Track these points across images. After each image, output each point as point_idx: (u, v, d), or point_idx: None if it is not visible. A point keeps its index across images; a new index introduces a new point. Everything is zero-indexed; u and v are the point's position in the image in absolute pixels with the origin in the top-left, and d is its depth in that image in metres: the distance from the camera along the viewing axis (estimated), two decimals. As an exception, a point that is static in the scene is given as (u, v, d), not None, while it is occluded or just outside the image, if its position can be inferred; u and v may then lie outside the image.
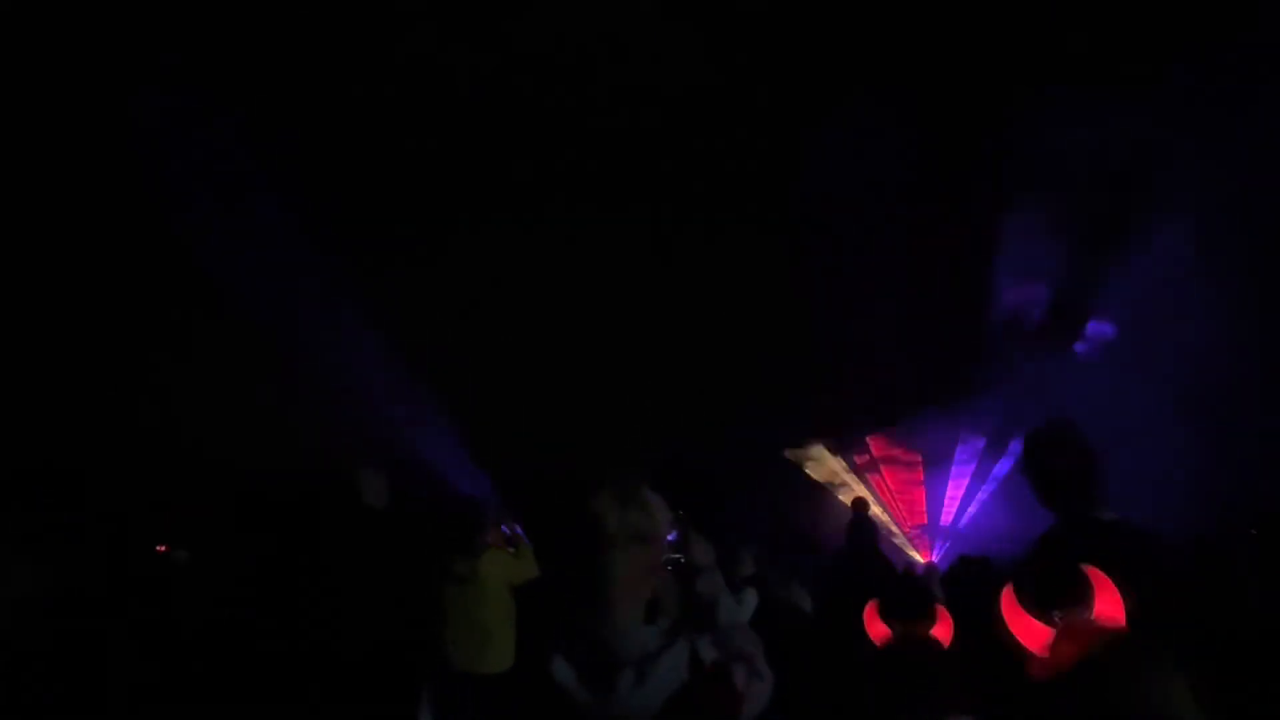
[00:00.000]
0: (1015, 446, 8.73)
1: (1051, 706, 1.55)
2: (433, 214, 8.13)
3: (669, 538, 1.90)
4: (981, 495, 9.41)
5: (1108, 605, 1.53)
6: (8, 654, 2.96)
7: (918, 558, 9.50)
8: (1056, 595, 1.56)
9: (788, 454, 10.02)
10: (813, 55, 8.33)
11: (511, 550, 4.24)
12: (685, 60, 8.30)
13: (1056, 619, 1.55)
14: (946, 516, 9.73)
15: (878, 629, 2.14)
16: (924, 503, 9.83)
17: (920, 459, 9.75)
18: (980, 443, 9.38)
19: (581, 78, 8.33)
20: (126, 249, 7.04)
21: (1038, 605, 1.57)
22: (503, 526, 4.34)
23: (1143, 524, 1.95)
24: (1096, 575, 1.56)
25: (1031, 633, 1.58)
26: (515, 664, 3.76)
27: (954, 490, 9.69)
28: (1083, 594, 1.54)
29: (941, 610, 2.17)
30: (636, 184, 8.86)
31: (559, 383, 7.96)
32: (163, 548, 4.85)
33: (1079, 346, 8.70)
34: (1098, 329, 8.60)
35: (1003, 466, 9.11)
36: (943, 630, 2.13)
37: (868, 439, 9.87)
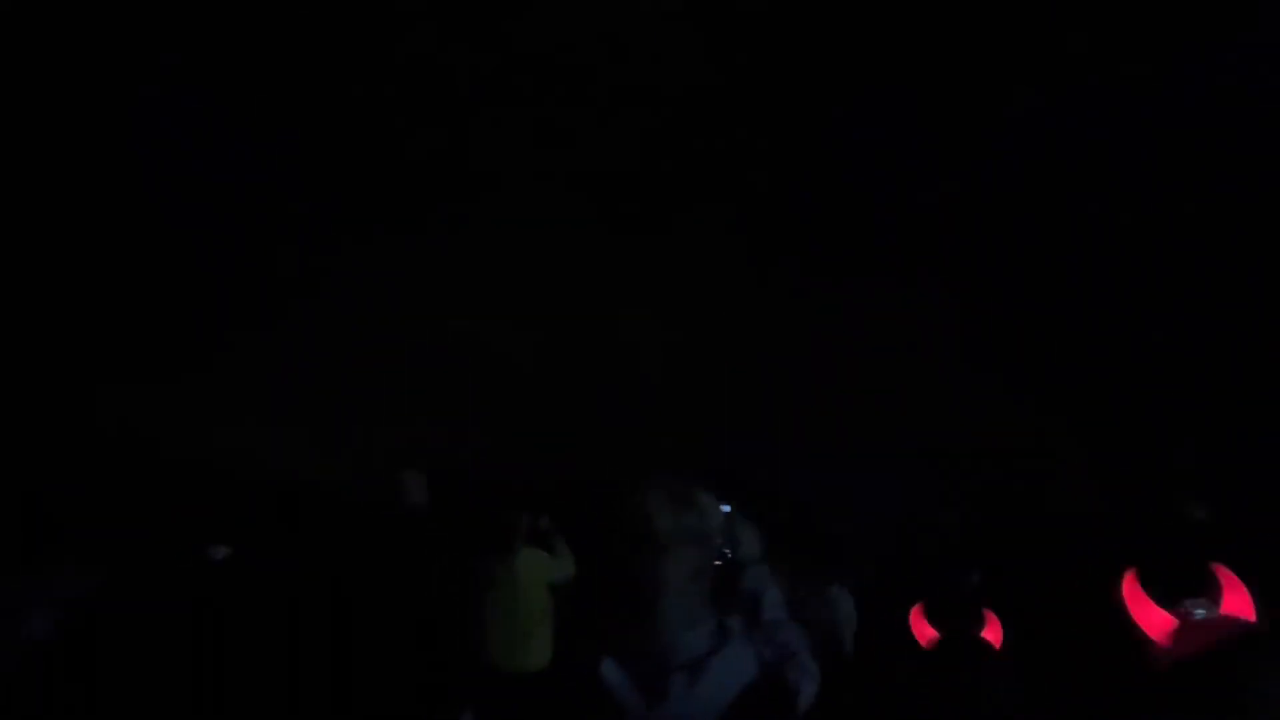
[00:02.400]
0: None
1: (1106, 706, 1.55)
2: (434, 215, 8.10)
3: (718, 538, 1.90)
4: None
5: (1236, 603, 1.55)
6: (51, 655, 2.94)
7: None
8: (1185, 589, 1.56)
9: None
10: (812, 55, 8.33)
11: (546, 554, 4.24)
12: (685, 60, 8.28)
13: (1184, 611, 1.55)
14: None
15: (925, 631, 2.13)
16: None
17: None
18: None
19: (582, 78, 8.30)
20: (129, 251, 6.99)
21: (1165, 596, 1.56)
22: (540, 525, 4.33)
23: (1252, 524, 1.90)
24: (1225, 574, 1.59)
25: (1154, 621, 1.57)
26: (554, 661, 3.76)
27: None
28: (1211, 590, 1.56)
29: (989, 613, 2.14)
30: (636, 185, 8.84)
31: (574, 383, 7.94)
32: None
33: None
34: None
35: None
36: (992, 633, 2.11)
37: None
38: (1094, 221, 7.58)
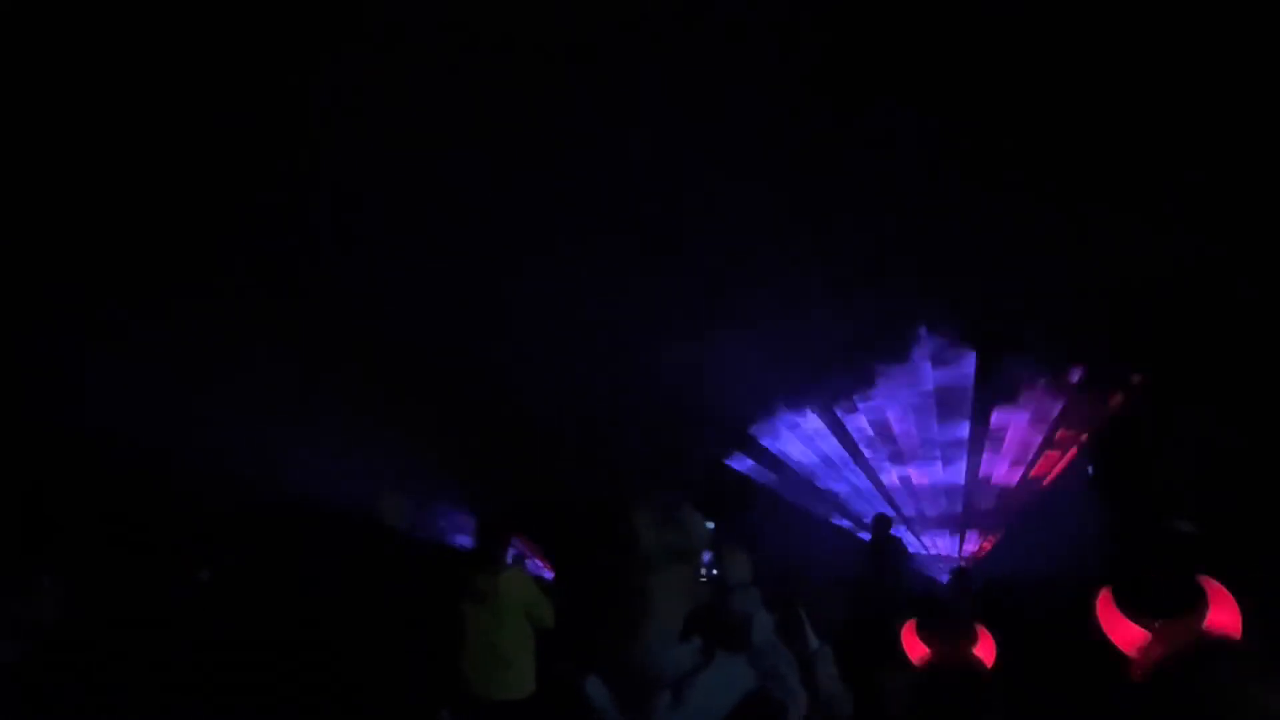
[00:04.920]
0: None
1: None
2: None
3: (705, 556, 1.85)
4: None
5: (1222, 617, 1.48)
6: (26, 676, 2.92)
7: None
8: (1165, 603, 1.51)
9: None
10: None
11: (530, 577, 4.21)
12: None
13: (1156, 624, 1.50)
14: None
15: (917, 648, 2.09)
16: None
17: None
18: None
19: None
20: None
21: (1141, 610, 1.52)
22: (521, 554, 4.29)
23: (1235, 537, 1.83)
24: (1213, 586, 1.51)
25: (1125, 635, 1.56)
26: (537, 691, 3.71)
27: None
28: (1195, 604, 1.49)
29: (982, 630, 2.11)
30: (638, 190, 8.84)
31: (575, 399, 7.90)
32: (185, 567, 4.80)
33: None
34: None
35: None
36: (985, 650, 2.07)
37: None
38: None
